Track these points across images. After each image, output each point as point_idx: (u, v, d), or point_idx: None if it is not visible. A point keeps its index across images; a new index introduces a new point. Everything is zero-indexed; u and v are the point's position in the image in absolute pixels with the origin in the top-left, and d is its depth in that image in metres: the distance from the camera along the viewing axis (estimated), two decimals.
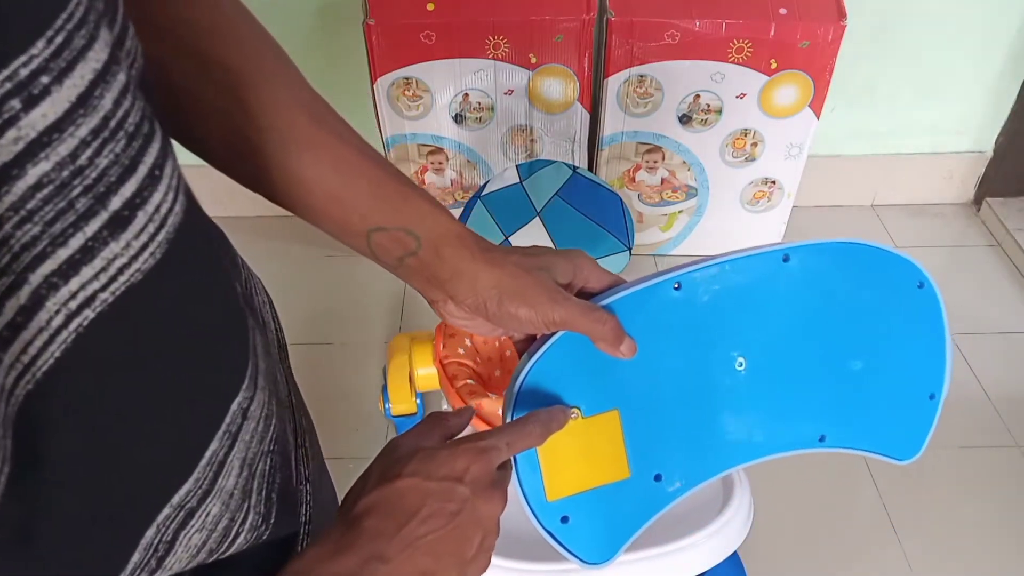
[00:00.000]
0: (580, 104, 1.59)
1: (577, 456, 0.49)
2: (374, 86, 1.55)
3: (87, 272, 0.25)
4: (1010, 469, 1.42)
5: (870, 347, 0.53)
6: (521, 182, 1.56)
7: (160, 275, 0.28)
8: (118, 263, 0.26)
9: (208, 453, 0.32)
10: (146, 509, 0.30)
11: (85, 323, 0.25)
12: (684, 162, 1.66)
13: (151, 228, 0.27)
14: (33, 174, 0.23)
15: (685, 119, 1.59)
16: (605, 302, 0.47)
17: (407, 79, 1.54)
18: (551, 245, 1.48)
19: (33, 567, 0.26)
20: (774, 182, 1.69)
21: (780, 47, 1.47)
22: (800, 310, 0.51)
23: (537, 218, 1.53)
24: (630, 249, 1.60)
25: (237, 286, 0.38)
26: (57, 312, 0.24)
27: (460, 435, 0.44)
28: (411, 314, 1.70)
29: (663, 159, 1.66)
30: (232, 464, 0.34)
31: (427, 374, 1.35)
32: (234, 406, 0.34)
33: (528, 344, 0.49)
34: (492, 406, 1.14)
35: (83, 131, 0.24)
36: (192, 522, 0.32)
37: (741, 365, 0.51)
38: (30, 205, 0.23)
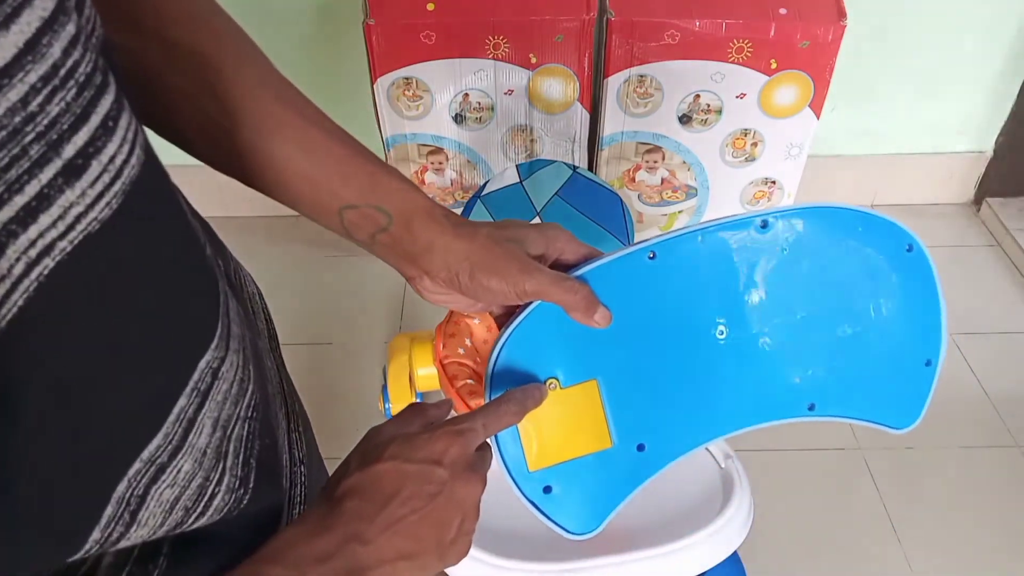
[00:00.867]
0: (580, 104, 1.59)
1: (557, 426, 0.49)
2: (374, 86, 1.55)
3: (44, 220, 0.25)
4: (1010, 469, 1.42)
5: (859, 313, 0.52)
6: (521, 182, 1.56)
7: (117, 226, 0.28)
8: (74, 211, 0.26)
9: (176, 409, 0.33)
10: (117, 462, 0.30)
11: (46, 272, 0.25)
12: (684, 162, 1.66)
13: (106, 178, 0.27)
14: None
15: (685, 119, 1.59)
16: (579, 272, 0.48)
17: (407, 79, 1.54)
18: None
19: (6, 520, 0.26)
20: (774, 182, 1.69)
21: (780, 47, 1.47)
22: (782, 276, 0.51)
23: (537, 218, 1.53)
24: None
25: (208, 249, 0.38)
26: (17, 260, 0.25)
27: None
28: (411, 314, 1.70)
29: (663, 159, 1.66)
30: (203, 423, 0.34)
31: (427, 374, 1.35)
32: (202, 364, 0.34)
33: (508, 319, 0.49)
34: None
35: (32, 77, 0.24)
36: (163, 477, 0.32)
37: (722, 333, 0.51)
38: None
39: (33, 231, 0.25)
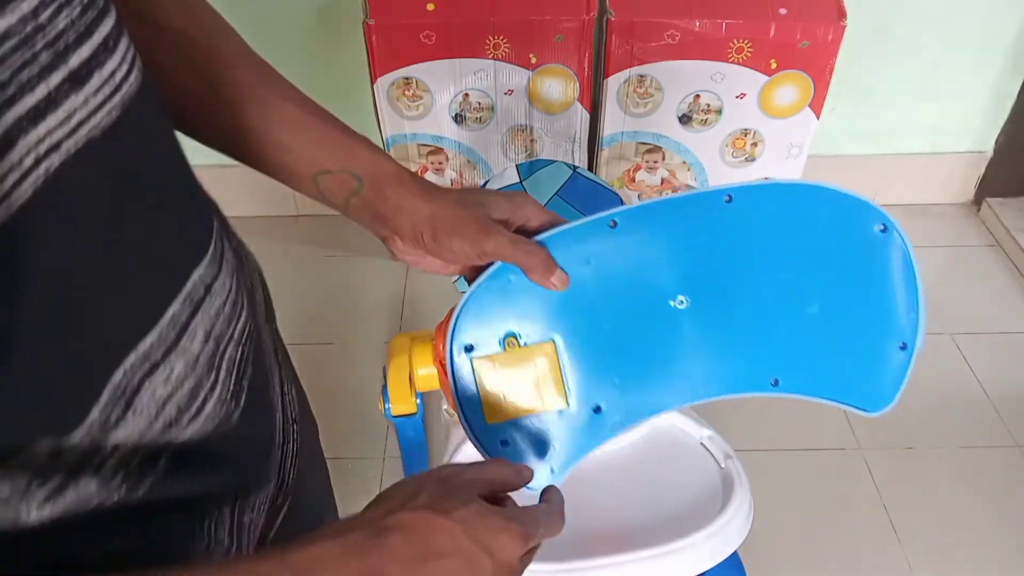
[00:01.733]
0: (580, 104, 1.59)
1: (514, 383, 0.52)
2: (374, 86, 1.55)
3: (52, 120, 0.28)
4: (1010, 469, 1.43)
5: (827, 291, 0.52)
6: (521, 182, 1.56)
7: (117, 133, 0.31)
8: (78, 116, 0.29)
9: (170, 313, 0.35)
10: (112, 351, 0.32)
11: (52, 168, 0.28)
12: (684, 162, 1.66)
13: (107, 89, 0.31)
14: (1, 25, 0.26)
15: (685, 119, 1.59)
16: (540, 238, 0.50)
17: (407, 79, 1.54)
18: None
19: (7, 394, 0.27)
20: None
21: (780, 47, 1.47)
22: (747, 251, 0.51)
23: None
24: None
25: (201, 188, 0.41)
26: (28, 153, 0.27)
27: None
28: (411, 314, 1.70)
29: (663, 159, 1.66)
30: (195, 330, 0.36)
31: (427, 374, 1.34)
32: (195, 276, 0.37)
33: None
34: None
35: None
36: (157, 373, 0.34)
37: (682, 303, 0.52)
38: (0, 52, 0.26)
39: (42, 128, 0.28)
